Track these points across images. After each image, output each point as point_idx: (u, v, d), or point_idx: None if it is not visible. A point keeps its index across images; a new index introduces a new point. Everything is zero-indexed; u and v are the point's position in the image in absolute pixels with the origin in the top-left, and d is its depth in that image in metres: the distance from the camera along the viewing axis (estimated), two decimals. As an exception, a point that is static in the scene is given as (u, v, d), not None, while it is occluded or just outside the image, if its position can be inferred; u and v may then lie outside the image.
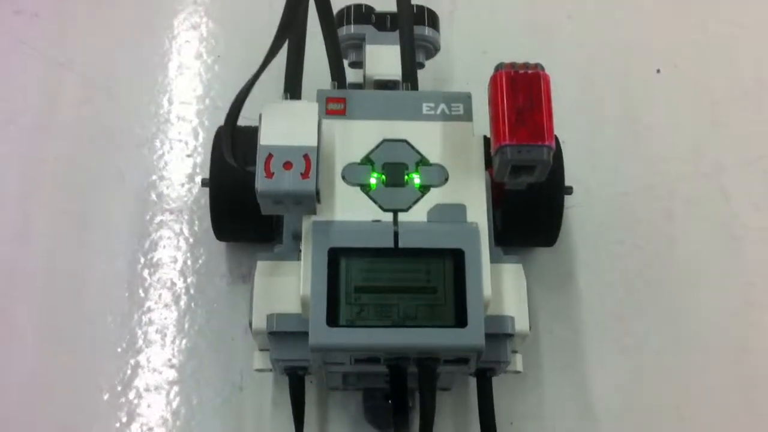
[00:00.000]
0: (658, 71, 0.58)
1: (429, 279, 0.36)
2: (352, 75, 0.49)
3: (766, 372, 0.48)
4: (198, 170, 0.53)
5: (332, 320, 0.35)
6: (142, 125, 0.54)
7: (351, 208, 0.38)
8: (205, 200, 0.47)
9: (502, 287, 0.39)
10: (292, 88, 0.40)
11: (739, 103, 0.57)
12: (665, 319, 0.49)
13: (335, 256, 0.36)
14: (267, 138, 0.36)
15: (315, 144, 0.36)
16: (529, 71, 0.37)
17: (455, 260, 0.36)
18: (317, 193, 0.36)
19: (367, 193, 0.39)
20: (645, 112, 0.56)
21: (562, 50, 0.58)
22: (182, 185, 0.52)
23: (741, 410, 0.47)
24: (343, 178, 0.39)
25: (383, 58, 0.46)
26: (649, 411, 0.47)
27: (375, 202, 0.38)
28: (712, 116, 0.56)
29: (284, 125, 0.36)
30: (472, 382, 0.42)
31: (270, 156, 0.35)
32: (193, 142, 0.54)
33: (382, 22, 0.48)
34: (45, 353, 0.47)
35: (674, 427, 0.47)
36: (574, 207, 0.52)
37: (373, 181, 0.39)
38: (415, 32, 0.45)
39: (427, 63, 0.50)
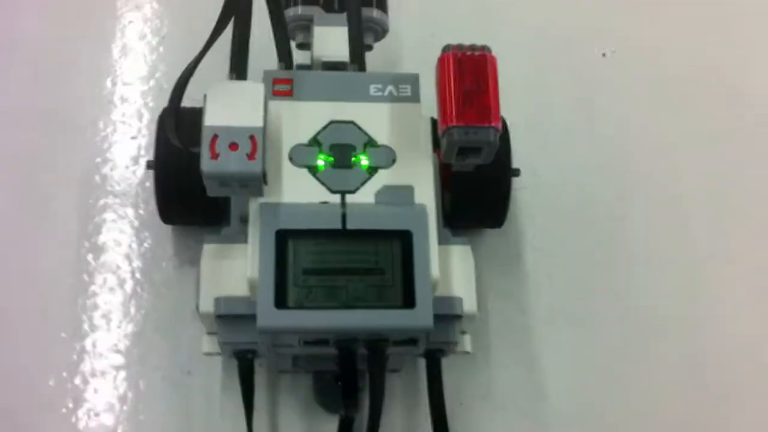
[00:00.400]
0: (604, 55, 0.59)
1: (377, 260, 0.36)
2: (300, 57, 0.49)
3: (714, 347, 0.49)
4: (143, 152, 0.52)
5: (280, 302, 0.35)
6: (84, 107, 0.53)
7: (298, 190, 0.38)
8: (151, 183, 0.46)
9: (451, 268, 0.39)
10: (238, 68, 0.39)
11: (687, 83, 0.58)
12: (614, 298, 0.50)
13: (283, 238, 0.36)
14: (212, 118, 0.35)
15: (261, 125, 0.35)
16: (476, 53, 0.37)
17: (403, 242, 0.37)
18: (264, 174, 0.35)
19: (314, 175, 0.38)
20: (594, 94, 0.57)
21: (510, 32, 0.59)
22: (127, 167, 0.51)
23: (690, 385, 0.48)
24: (290, 159, 0.39)
25: (331, 40, 0.45)
26: (598, 389, 0.47)
27: (323, 183, 0.38)
28: (660, 98, 0.57)
29: (230, 105, 0.36)
30: (422, 363, 0.42)
31: (215, 137, 0.35)
32: (137, 124, 0.53)
33: (329, 3, 0.47)
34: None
35: (624, 404, 0.47)
36: (523, 189, 0.52)
37: (320, 162, 0.39)
38: (364, 14, 0.45)
39: (376, 45, 0.50)
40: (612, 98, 0.57)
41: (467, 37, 0.51)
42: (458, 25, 0.58)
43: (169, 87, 0.37)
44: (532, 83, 0.57)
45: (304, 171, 0.38)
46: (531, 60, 0.58)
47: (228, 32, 0.38)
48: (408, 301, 0.35)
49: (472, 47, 0.38)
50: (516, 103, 0.53)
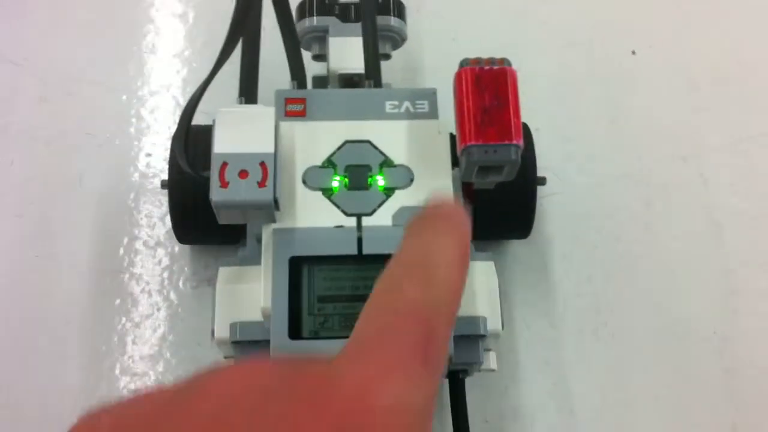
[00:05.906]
0: (634, 53, 0.57)
1: None
2: (317, 67, 0.48)
3: (748, 360, 0.47)
4: (158, 170, 0.51)
5: (294, 332, 0.34)
6: (101, 124, 0.52)
7: (312, 214, 0.37)
8: (166, 201, 0.45)
9: (474, 286, 0.38)
10: (247, 92, 0.38)
11: (717, 86, 0.56)
12: (645, 310, 0.48)
13: (297, 265, 0.35)
14: (221, 145, 0.34)
15: (272, 151, 0.34)
16: (495, 67, 0.36)
17: None
18: (276, 201, 0.34)
19: (329, 198, 0.37)
20: (621, 97, 0.55)
21: (535, 34, 0.57)
22: (143, 186, 0.50)
23: (722, 400, 0.46)
24: (304, 182, 0.37)
25: (348, 51, 0.44)
26: (630, 406, 0.46)
27: (338, 206, 0.37)
28: (690, 99, 0.55)
29: (239, 131, 0.34)
30: (445, 382, 0.41)
31: (225, 164, 0.34)
32: (153, 141, 0.52)
33: (345, 12, 0.46)
34: (1, 364, 0.46)
35: (657, 421, 0.46)
36: (548, 197, 0.51)
37: (335, 184, 0.37)
38: (380, 22, 0.44)
39: (396, 52, 0.49)
40: (641, 99, 0.55)
41: (489, 39, 0.49)
42: (481, 28, 0.56)
43: (185, 103, 0.36)
44: (559, 85, 0.55)
45: (319, 194, 0.37)
46: (558, 61, 0.56)
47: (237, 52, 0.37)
48: None
49: (491, 60, 0.36)
50: (543, 106, 0.52)
